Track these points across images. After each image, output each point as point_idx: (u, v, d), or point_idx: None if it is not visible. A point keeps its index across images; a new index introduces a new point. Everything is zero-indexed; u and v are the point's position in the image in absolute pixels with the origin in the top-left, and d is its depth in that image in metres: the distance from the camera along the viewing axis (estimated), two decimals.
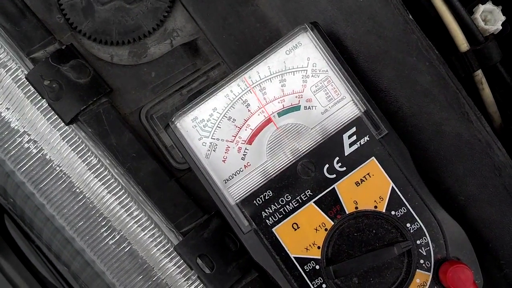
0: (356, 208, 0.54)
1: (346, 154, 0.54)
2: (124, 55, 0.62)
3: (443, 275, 0.52)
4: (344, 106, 0.55)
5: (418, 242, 0.53)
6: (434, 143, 0.57)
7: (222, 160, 0.55)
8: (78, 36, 0.62)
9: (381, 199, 0.54)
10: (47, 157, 0.62)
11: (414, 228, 0.53)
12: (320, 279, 0.53)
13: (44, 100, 0.60)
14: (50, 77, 0.58)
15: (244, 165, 0.55)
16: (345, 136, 0.54)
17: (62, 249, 0.67)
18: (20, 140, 0.62)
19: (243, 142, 0.55)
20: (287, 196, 0.54)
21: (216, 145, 0.55)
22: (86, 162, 0.61)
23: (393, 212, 0.54)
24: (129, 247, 0.62)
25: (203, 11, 0.60)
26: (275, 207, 0.54)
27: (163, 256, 0.61)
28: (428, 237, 0.53)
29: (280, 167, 0.54)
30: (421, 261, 0.53)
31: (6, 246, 0.87)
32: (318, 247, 0.54)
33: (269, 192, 0.54)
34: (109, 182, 0.61)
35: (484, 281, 0.55)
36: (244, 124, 0.55)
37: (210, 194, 0.54)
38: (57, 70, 0.59)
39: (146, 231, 0.61)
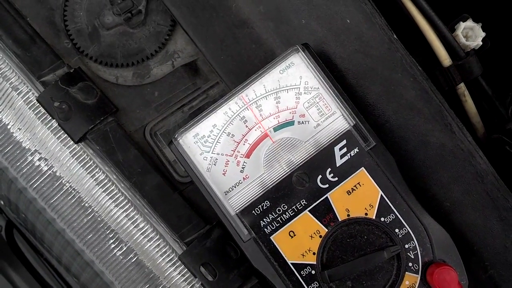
0: (348, 215, 0.55)
1: (337, 165, 0.55)
2: (128, 76, 0.64)
3: (430, 276, 0.53)
4: (335, 121, 0.56)
5: (406, 246, 0.54)
6: (420, 153, 0.58)
7: (222, 173, 0.56)
8: (85, 59, 0.64)
9: (371, 206, 0.55)
10: (57, 174, 0.63)
11: (402, 233, 0.55)
12: (316, 283, 0.54)
13: (54, 120, 0.61)
14: (59, 99, 0.60)
15: (243, 177, 0.56)
16: (336, 148, 0.55)
17: (72, 261, 0.68)
18: (31, 158, 0.63)
19: (242, 155, 0.56)
20: (283, 206, 0.55)
21: (217, 159, 0.56)
22: (94, 178, 0.62)
23: (382, 219, 0.55)
24: (136, 258, 0.63)
25: (202, 34, 0.61)
26: (272, 216, 0.55)
27: (168, 265, 0.62)
28: (416, 241, 0.54)
29: (277, 179, 0.55)
30: (410, 264, 0.54)
31: (16, 260, 0.88)
32: (314, 253, 0.55)
33: (266, 202, 0.55)
34: (116, 196, 0.62)
35: (471, 282, 0.56)
36: (242, 139, 0.56)
37: (211, 205, 0.56)
38: (66, 92, 0.60)
39: (151, 242, 0.62)
